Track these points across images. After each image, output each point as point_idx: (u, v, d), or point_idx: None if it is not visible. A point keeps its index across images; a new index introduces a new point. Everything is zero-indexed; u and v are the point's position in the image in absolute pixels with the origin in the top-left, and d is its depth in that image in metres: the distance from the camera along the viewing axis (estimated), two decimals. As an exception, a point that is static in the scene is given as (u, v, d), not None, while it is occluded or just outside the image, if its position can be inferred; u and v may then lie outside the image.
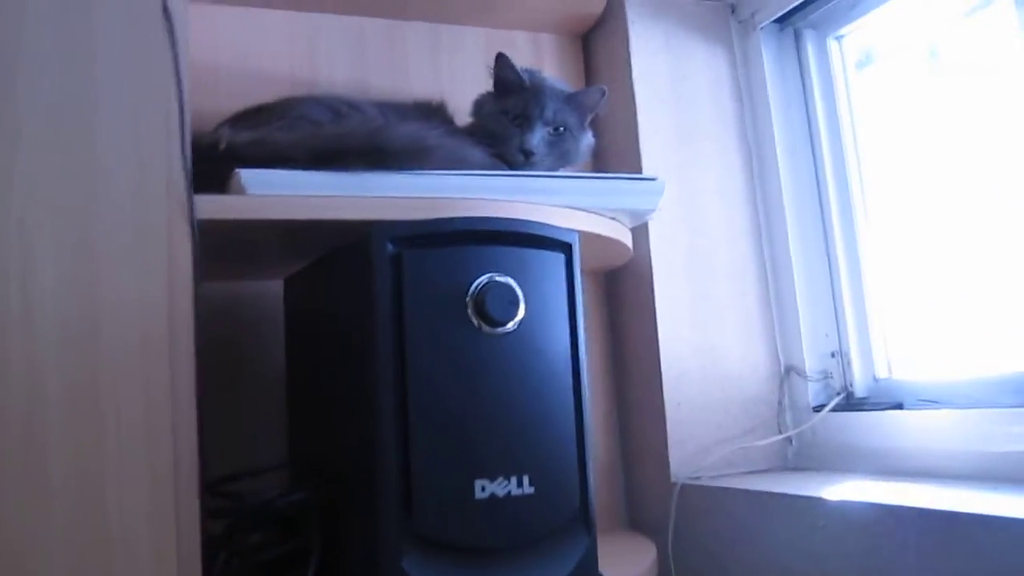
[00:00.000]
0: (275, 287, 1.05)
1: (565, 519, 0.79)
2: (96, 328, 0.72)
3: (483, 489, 0.75)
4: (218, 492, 0.85)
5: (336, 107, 0.99)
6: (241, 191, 0.82)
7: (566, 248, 0.82)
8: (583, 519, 0.80)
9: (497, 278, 0.77)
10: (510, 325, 0.77)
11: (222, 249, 0.90)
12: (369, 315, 0.75)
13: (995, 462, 0.97)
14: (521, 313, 0.78)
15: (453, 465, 0.75)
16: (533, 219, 0.89)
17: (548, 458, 0.78)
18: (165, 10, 0.78)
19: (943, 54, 1.26)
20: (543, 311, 0.80)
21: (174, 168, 0.77)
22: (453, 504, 0.74)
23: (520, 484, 0.76)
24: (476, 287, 0.76)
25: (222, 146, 0.87)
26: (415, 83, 1.22)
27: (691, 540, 1.11)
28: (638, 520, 1.23)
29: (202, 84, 1.09)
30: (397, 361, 0.74)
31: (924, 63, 1.28)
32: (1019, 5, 1.10)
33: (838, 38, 1.24)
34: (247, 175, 0.83)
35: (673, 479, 1.15)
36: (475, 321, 0.76)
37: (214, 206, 0.79)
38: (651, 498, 1.20)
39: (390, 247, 0.75)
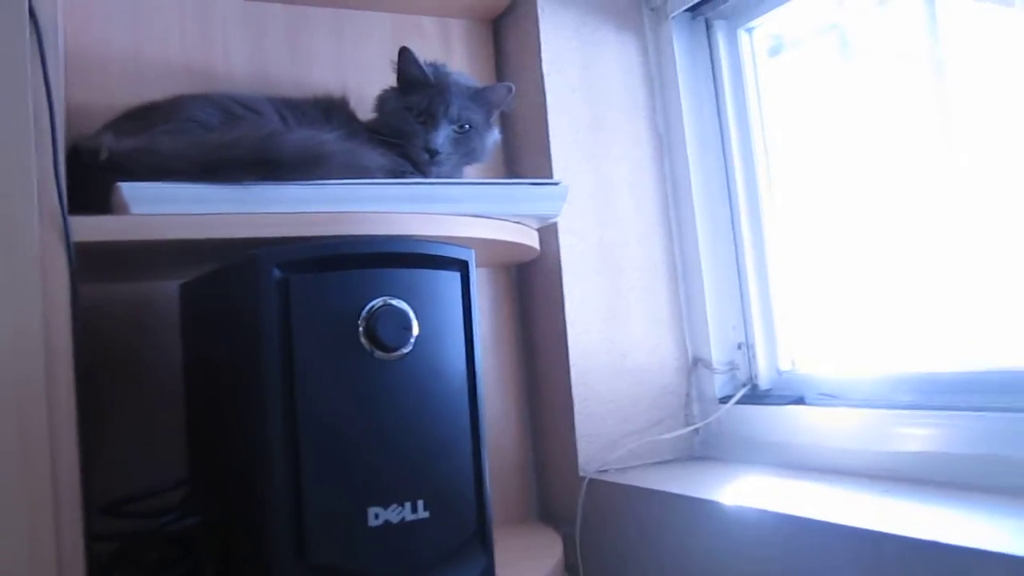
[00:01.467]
0: (174, 288, 1.01)
1: (462, 541, 0.79)
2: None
3: (376, 516, 0.74)
4: (115, 513, 0.83)
5: (228, 107, 0.95)
6: (124, 208, 0.79)
7: (462, 266, 0.81)
8: (480, 539, 0.80)
9: (390, 302, 0.76)
10: (403, 349, 0.76)
11: (107, 264, 0.87)
12: (256, 342, 0.73)
13: (890, 461, 0.99)
14: (415, 336, 0.77)
15: (345, 493, 0.74)
16: (433, 230, 0.87)
17: (444, 481, 0.78)
18: (31, 13, 0.73)
19: (853, 42, 1.27)
20: (438, 332, 0.79)
21: (46, 186, 0.73)
22: (346, 533, 0.73)
23: (415, 509, 0.76)
24: (368, 311, 0.75)
25: (103, 156, 0.83)
26: (317, 72, 1.18)
27: (598, 534, 1.12)
28: (548, 513, 1.24)
29: (90, 76, 1.04)
30: (286, 387, 0.73)
31: (834, 51, 1.28)
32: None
33: (748, 30, 1.24)
34: (129, 190, 0.79)
35: (581, 473, 1.16)
36: (367, 346, 0.75)
37: (93, 227, 0.76)
38: (560, 491, 1.21)
39: (276, 272, 0.73)
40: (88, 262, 0.76)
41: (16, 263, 0.71)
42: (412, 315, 0.76)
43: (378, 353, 0.75)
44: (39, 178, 0.73)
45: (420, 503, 0.76)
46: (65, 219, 0.73)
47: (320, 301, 0.74)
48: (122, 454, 0.97)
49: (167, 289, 1.03)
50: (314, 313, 0.74)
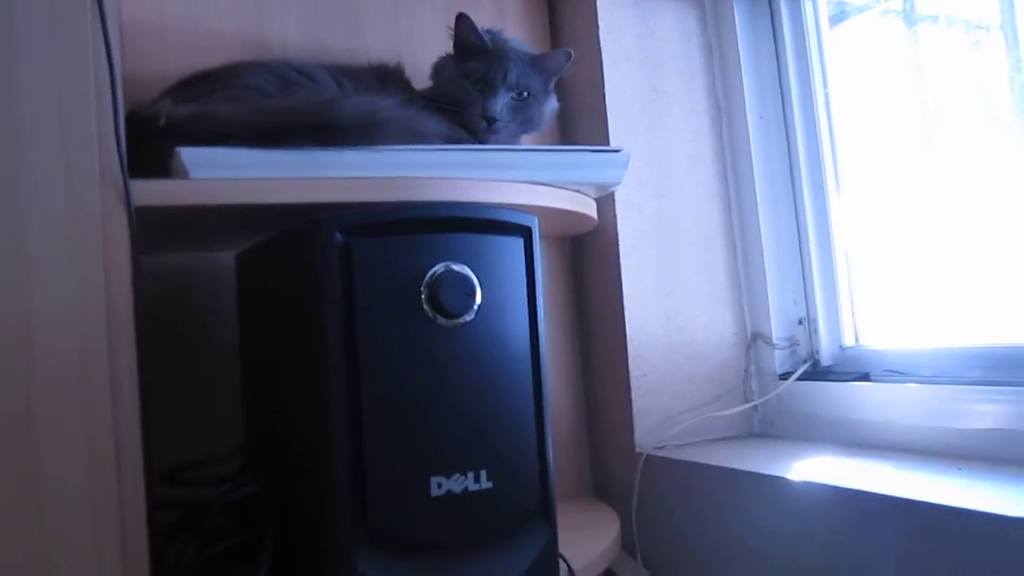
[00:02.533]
0: (228, 260, 1.01)
1: (524, 512, 0.77)
2: (29, 336, 0.68)
3: (439, 486, 0.73)
4: (175, 481, 0.82)
5: (285, 74, 0.94)
6: (183, 173, 0.78)
7: (525, 232, 0.79)
8: (543, 511, 0.78)
9: (453, 267, 0.74)
10: (466, 316, 0.74)
11: (166, 229, 0.86)
12: (319, 306, 0.72)
13: (959, 439, 0.96)
14: (478, 303, 0.75)
15: (408, 461, 0.72)
16: (493, 196, 0.86)
17: (506, 451, 0.76)
18: (94, -17, 0.72)
19: (920, 9, 1.22)
20: (501, 299, 0.77)
21: (108, 151, 0.72)
22: (408, 502, 0.72)
23: (477, 479, 0.74)
24: (431, 277, 0.73)
25: (162, 122, 0.82)
26: (372, 42, 1.16)
27: (655, 511, 1.10)
28: (603, 489, 1.22)
29: (145, 46, 1.04)
30: (348, 355, 0.71)
31: (899, 19, 1.24)
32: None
33: (812, -4, 1.20)
34: (189, 155, 0.78)
35: (638, 449, 1.14)
36: (430, 312, 0.73)
37: (153, 192, 0.75)
38: (616, 468, 1.19)
39: (339, 236, 0.71)
40: (146, 228, 0.75)
41: (78, 227, 0.70)
42: (475, 281, 0.74)
43: (440, 319, 0.73)
44: (100, 142, 0.72)
45: (483, 473, 0.75)
46: (126, 182, 0.72)
47: (382, 266, 0.72)
48: (178, 424, 0.96)
49: (222, 260, 1.03)
50: (376, 278, 0.72)
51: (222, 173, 0.79)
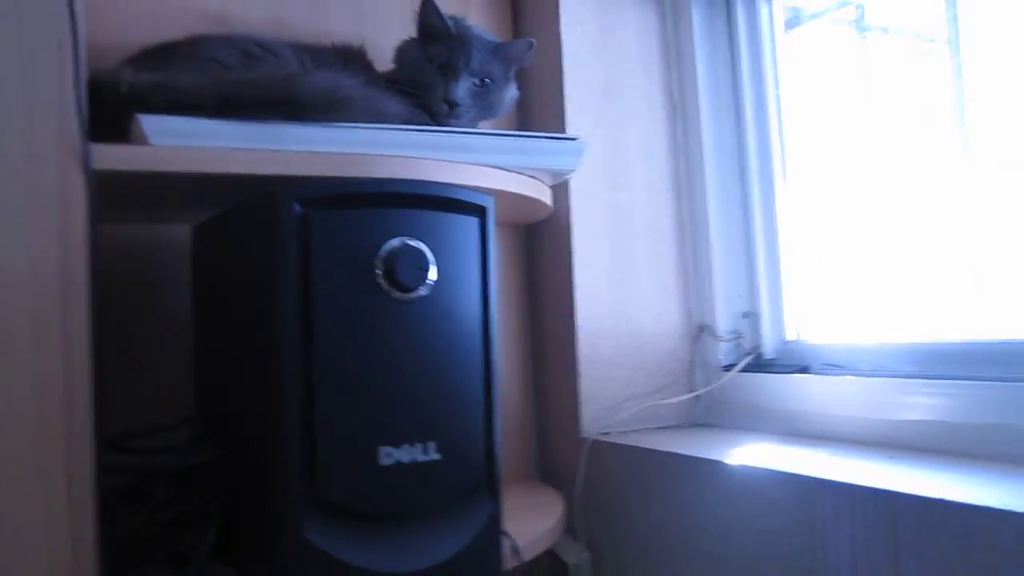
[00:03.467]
0: (185, 233, 1.01)
1: (471, 484, 0.79)
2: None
3: (388, 455, 0.74)
4: (123, 448, 0.83)
5: (248, 49, 0.95)
6: (142, 140, 0.78)
7: (480, 212, 0.81)
8: (488, 484, 0.80)
9: (409, 242, 0.75)
10: (420, 290, 0.76)
11: (123, 197, 0.86)
12: (274, 276, 0.73)
13: (893, 430, 1.00)
14: (432, 278, 0.77)
15: (358, 431, 0.74)
16: (450, 177, 0.87)
17: (455, 424, 0.78)
18: (58, -58, 0.73)
19: (870, 18, 1.27)
20: (455, 276, 0.78)
21: (68, 114, 0.72)
22: (358, 470, 0.74)
23: (426, 451, 0.76)
24: (386, 251, 0.75)
25: (123, 89, 0.82)
26: (334, 23, 1.17)
27: (599, 495, 1.13)
28: (549, 472, 1.25)
29: (106, 14, 1.03)
30: (302, 324, 0.73)
31: (851, 27, 1.29)
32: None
33: (768, 1, 1.23)
34: (149, 123, 0.79)
35: (583, 434, 1.16)
36: (385, 286, 0.75)
37: (113, 156, 0.75)
38: (562, 452, 1.21)
39: (297, 207, 0.73)
40: (104, 196, 0.75)
41: (35, 187, 0.70)
42: (430, 256, 0.76)
43: (395, 293, 0.75)
44: (60, 105, 0.72)
45: (432, 445, 0.76)
46: (86, 145, 0.73)
47: (339, 238, 0.74)
48: (128, 395, 0.96)
49: (178, 232, 1.03)
50: (333, 250, 0.73)
51: (182, 141, 0.79)
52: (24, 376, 0.70)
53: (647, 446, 1.07)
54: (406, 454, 0.75)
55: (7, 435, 0.69)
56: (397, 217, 0.76)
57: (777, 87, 1.23)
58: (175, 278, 1.02)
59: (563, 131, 1.18)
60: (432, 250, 0.77)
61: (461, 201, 0.79)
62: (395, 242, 0.75)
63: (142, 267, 1.04)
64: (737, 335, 1.24)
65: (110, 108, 0.81)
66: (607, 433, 1.16)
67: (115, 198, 0.84)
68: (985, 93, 1.07)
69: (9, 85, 0.71)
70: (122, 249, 1.02)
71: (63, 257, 0.72)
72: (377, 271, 0.74)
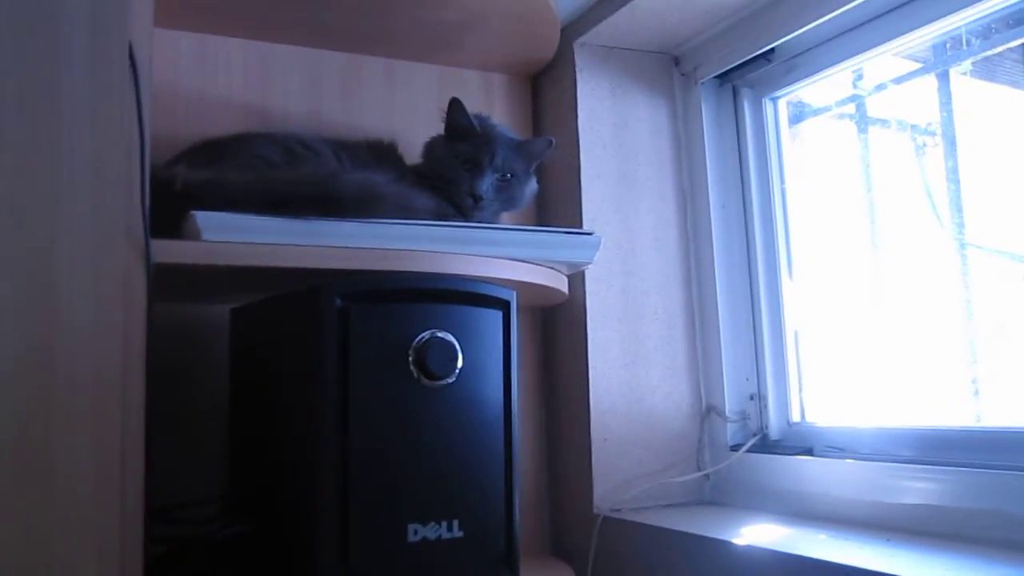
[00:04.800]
0: (221, 313, 1.08)
1: (491, 561, 0.84)
2: (51, 361, 0.74)
3: (415, 532, 0.80)
4: (164, 519, 0.88)
5: (290, 147, 1.03)
6: (196, 235, 0.86)
7: (504, 305, 0.87)
8: (508, 562, 0.85)
9: (438, 334, 0.82)
10: (448, 379, 0.82)
11: (173, 284, 0.93)
12: (316, 364, 0.79)
13: (891, 512, 1.05)
14: (459, 367, 0.83)
15: (388, 509, 0.79)
16: (476, 270, 0.94)
17: (478, 504, 0.84)
18: (131, 58, 0.81)
19: (871, 113, 1.35)
20: (480, 365, 0.85)
21: (134, 214, 0.80)
22: (387, 545, 0.79)
23: (450, 528, 0.81)
24: (418, 342, 0.81)
25: (178, 186, 0.90)
26: (367, 117, 1.25)
27: (610, 569, 1.17)
28: (561, 548, 1.29)
29: (159, 107, 1.11)
30: (340, 409, 0.79)
31: (851, 121, 1.36)
32: (941, 77, 1.19)
33: (773, 99, 1.32)
34: (203, 219, 0.86)
35: (596, 511, 1.21)
36: (416, 374, 0.81)
37: (170, 251, 0.82)
38: (575, 527, 1.26)
39: (339, 301, 0.79)
40: (157, 283, 0.82)
41: (104, 278, 0.77)
42: (458, 347, 0.82)
43: (425, 381, 0.81)
44: (127, 205, 0.79)
45: (455, 522, 0.82)
46: (148, 242, 0.80)
47: (376, 330, 0.80)
48: (166, 466, 1.02)
49: (215, 312, 1.10)
50: (369, 341, 0.80)
51: (232, 237, 0.87)
52: (86, 449, 0.75)
53: (657, 524, 1.12)
54: (432, 531, 0.80)
55: (69, 496, 0.74)
56: (428, 311, 0.82)
57: (782, 180, 1.31)
58: (212, 357, 1.08)
59: (580, 222, 1.26)
60: (460, 341, 0.83)
61: (487, 296, 0.86)
62: (426, 334, 0.81)
63: (184, 344, 1.10)
64: (744, 416, 1.29)
65: (165, 203, 0.89)
66: (618, 510, 1.21)
67: (166, 283, 0.90)
68: (980, 184, 1.14)
69: (84, 186, 0.78)
70: (165, 326, 1.08)
71: (125, 338, 0.78)
72: (410, 360, 0.81)
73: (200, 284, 0.97)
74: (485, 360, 0.85)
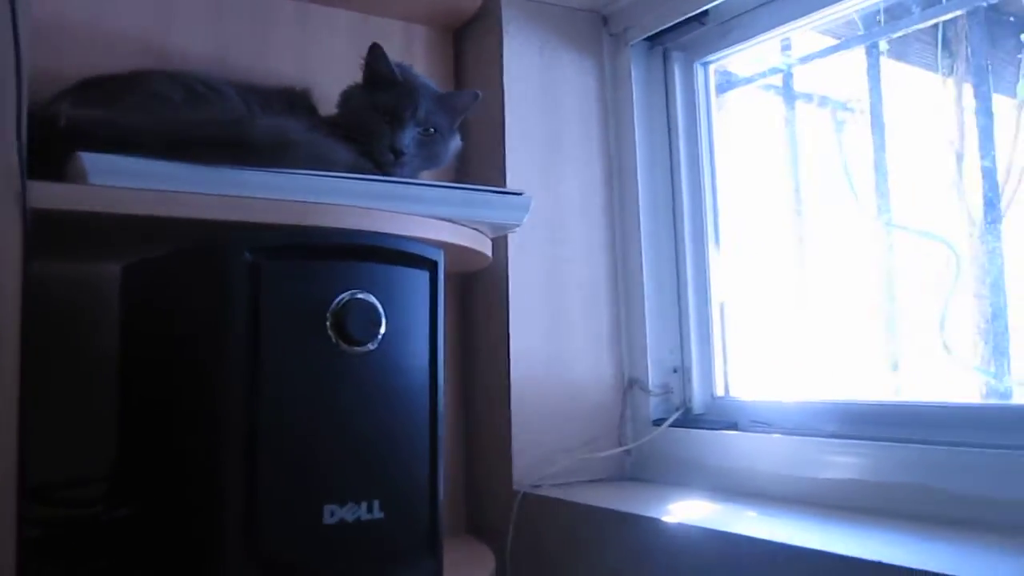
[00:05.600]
0: (111, 273, 0.97)
1: (413, 544, 0.78)
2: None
3: (332, 514, 0.72)
4: (44, 499, 0.78)
5: (192, 87, 0.92)
6: (82, 178, 0.75)
7: (431, 266, 0.81)
8: (430, 544, 0.79)
9: (360, 296, 0.74)
10: (370, 344, 0.75)
11: (54, 236, 0.83)
12: (220, 325, 0.71)
13: (817, 488, 1.02)
14: (382, 332, 0.75)
15: (303, 488, 0.72)
16: (399, 228, 0.87)
17: (400, 482, 0.77)
18: (5, -29, 0.70)
19: (797, 84, 1.33)
20: (404, 330, 0.78)
21: (7, 149, 0.69)
22: (301, 529, 0.71)
23: (370, 509, 0.74)
24: (338, 304, 0.73)
25: (62, 123, 0.79)
26: (277, 63, 1.15)
27: (530, 549, 1.12)
28: (478, 525, 1.23)
29: (43, 43, 0.99)
30: (247, 376, 0.71)
31: (777, 94, 1.34)
32: (869, 52, 1.17)
33: (704, 64, 1.27)
34: (91, 161, 0.76)
35: (515, 487, 1.15)
36: (334, 339, 0.73)
37: (51, 195, 0.72)
38: (493, 505, 1.20)
39: (248, 256, 0.71)
40: (35, 237, 0.72)
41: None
42: (381, 310, 0.75)
43: (344, 346, 0.74)
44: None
45: (376, 503, 0.75)
46: (23, 182, 0.69)
47: (290, 289, 0.72)
48: (45, 438, 0.91)
49: (105, 272, 0.99)
50: (282, 301, 0.72)
51: (124, 182, 0.77)
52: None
53: (579, 500, 1.07)
54: (350, 512, 0.73)
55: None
56: (349, 269, 0.75)
57: (711, 149, 1.27)
58: (100, 321, 0.97)
59: (503, 183, 1.19)
60: (382, 304, 0.76)
61: (413, 255, 0.79)
62: (346, 295, 0.74)
63: (67, 306, 0.99)
64: (667, 390, 1.26)
65: (44, 143, 0.78)
66: (538, 486, 1.16)
67: (47, 236, 0.80)
68: (903, 160, 1.13)
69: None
70: (47, 287, 0.97)
71: (-6, 298, 0.68)
72: (327, 324, 0.73)
73: (86, 237, 0.86)
74: (409, 325, 0.78)
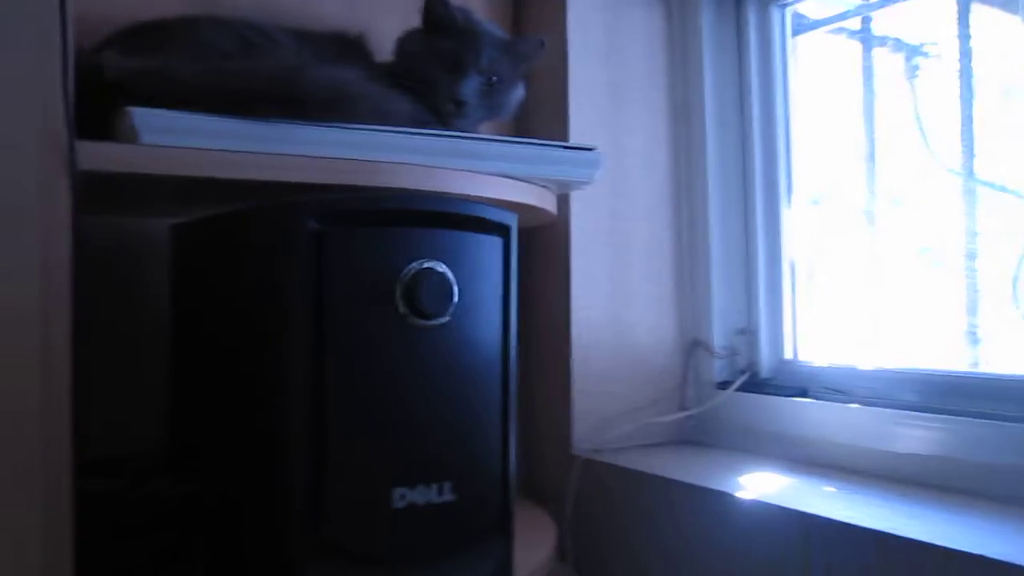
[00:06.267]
0: (157, 229, 0.92)
1: (485, 527, 0.74)
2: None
3: (402, 497, 0.68)
4: (100, 474, 0.75)
5: (245, 34, 0.86)
6: (133, 137, 0.70)
7: (505, 232, 0.75)
8: (502, 527, 0.75)
9: (432, 266, 0.69)
10: (442, 318, 0.70)
11: (100, 195, 0.78)
12: (284, 298, 0.66)
13: (897, 462, 0.97)
14: (454, 303, 0.70)
15: (371, 470, 0.68)
16: (463, 188, 0.81)
17: (472, 463, 0.72)
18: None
19: (877, 30, 1.23)
20: (477, 301, 0.73)
21: (53, 106, 0.64)
22: (368, 512, 0.67)
23: (441, 492, 0.70)
24: (407, 274, 0.68)
25: (109, 75, 0.74)
26: (328, 5, 1.09)
27: (590, 515, 1.09)
28: (534, 489, 1.19)
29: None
30: (313, 351, 0.66)
31: (855, 39, 1.25)
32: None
33: (781, 7, 1.19)
34: (141, 117, 0.70)
35: (575, 451, 1.11)
36: (404, 312, 0.68)
37: (102, 156, 0.67)
38: (550, 468, 1.16)
39: (312, 223, 0.66)
40: (82, 196, 0.67)
41: (15, 189, 0.62)
42: (453, 280, 0.70)
43: (414, 319, 0.69)
44: (44, 96, 0.64)
45: (447, 485, 0.70)
46: (72, 145, 0.64)
47: (357, 259, 0.67)
48: (98, 409, 0.88)
49: (152, 228, 0.95)
50: (349, 271, 0.67)
51: (177, 140, 0.71)
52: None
53: (644, 469, 1.03)
54: (421, 495, 0.69)
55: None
56: (419, 237, 0.69)
57: (786, 98, 1.19)
58: (149, 282, 0.93)
59: (566, 134, 1.13)
60: (454, 272, 0.70)
61: (486, 220, 0.73)
62: (416, 265, 0.68)
63: (112, 264, 0.95)
64: (732, 352, 1.20)
65: (90, 95, 0.73)
66: (599, 451, 1.11)
67: (92, 195, 0.75)
68: (993, 112, 1.05)
69: (-15, 71, 0.62)
70: (85, 242, 0.93)
71: (44, 265, 0.63)
72: (396, 295, 0.68)
73: (134, 197, 0.81)
74: (483, 296, 0.73)
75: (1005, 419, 0.89)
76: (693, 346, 1.22)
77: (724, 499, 0.92)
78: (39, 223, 0.64)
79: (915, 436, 0.97)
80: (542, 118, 1.18)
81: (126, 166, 0.69)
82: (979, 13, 1.10)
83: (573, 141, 1.10)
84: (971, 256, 1.06)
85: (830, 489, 0.94)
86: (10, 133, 0.63)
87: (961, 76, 1.11)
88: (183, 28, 0.85)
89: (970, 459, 0.91)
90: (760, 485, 0.96)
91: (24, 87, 0.63)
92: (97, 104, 0.73)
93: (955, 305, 1.07)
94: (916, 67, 1.20)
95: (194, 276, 0.84)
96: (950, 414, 0.95)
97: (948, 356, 1.08)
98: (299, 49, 0.89)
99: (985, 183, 1.07)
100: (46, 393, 0.63)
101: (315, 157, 0.75)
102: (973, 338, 1.07)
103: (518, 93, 1.02)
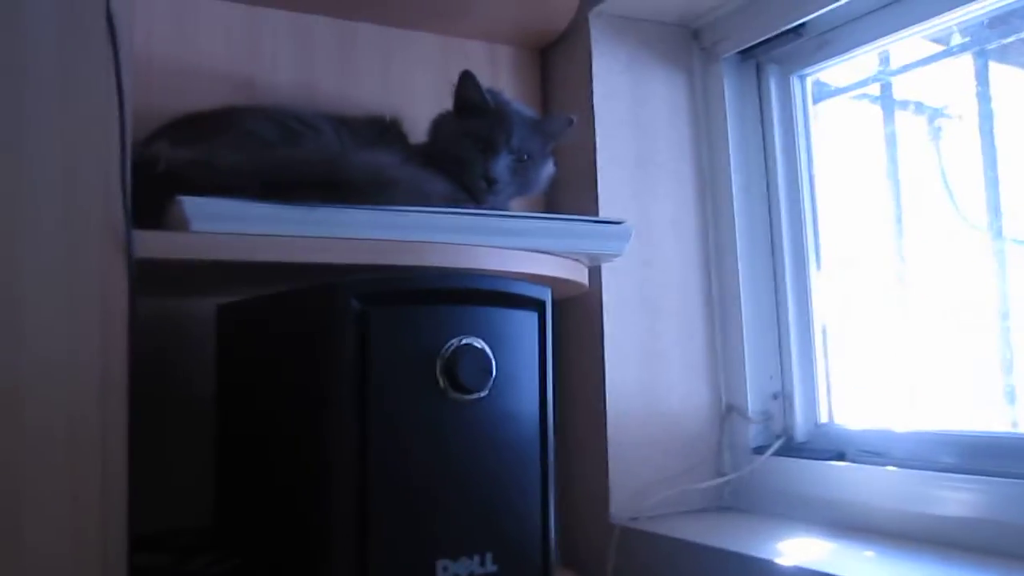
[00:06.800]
0: (205, 309, 0.96)
1: (525, 597, 0.75)
2: (19, 394, 0.63)
3: (445, 570, 0.70)
4: (142, 549, 0.77)
5: (286, 122, 0.91)
6: (184, 225, 0.74)
7: (539, 306, 0.77)
8: (543, 596, 0.76)
9: (470, 342, 0.71)
10: (481, 392, 0.72)
11: (152, 279, 0.81)
12: (329, 376, 0.68)
13: (936, 525, 0.97)
14: (493, 378, 0.72)
15: (414, 543, 0.69)
16: (498, 264, 0.84)
17: (513, 534, 0.74)
18: (109, 18, 0.68)
19: (897, 94, 1.26)
20: (515, 375, 0.75)
21: (112, 199, 0.68)
22: (412, 586, 0.69)
23: (483, 563, 0.71)
24: (447, 350, 0.71)
25: (161, 167, 0.78)
26: (363, 91, 1.14)
27: (629, 585, 1.09)
28: (573, 559, 1.19)
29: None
30: (357, 426, 0.68)
31: (875, 104, 1.28)
32: (977, 56, 1.11)
33: (801, 77, 1.22)
34: (192, 206, 0.74)
35: (612, 520, 1.12)
36: (444, 387, 0.70)
37: (155, 244, 0.71)
38: (588, 537, 1.17)
39: (355, 303, 0.68)
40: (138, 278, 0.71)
41: (76, 278, 0.66)
42: (491, 356, 0.72)
43: (454, 394, 0.71)
44: (104, 189, 0.68)
45: (489, 556, 0.72)
46: (130, 234, 0.68)
47: (398, 337, 0.69)
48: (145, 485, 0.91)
49: (200, 308, 0.98)
50: (391, 349, 0.69)
51: (225, 226, 0.75)
52: (59, 473, 0.64)
53: (681, 536, 1.03)
54: (464, 567, 0.70)
55: (43, 541, 0.63)
56: (457, 314, 0.72)
57: (810, 164, 1.21)
58: (196, 362, 0.96)
59: (596, 207, 1.16)
60: (491, 348, 0.73)
61: (521, 296, 0.76)
62: (455, 341, 0.71)
63: (162, 344, 0.98)
64: (767, 417, 1.21)
65: (142, 186, 0.77)
66: (636, 519, 1.12)
67: (145, 280, 0.79)
68: (1013, 168, 1.06)
69: (50, 165, 0.66)
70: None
71: (103, 350, 0.67)
72: (437, 371, 0.70)
73: (185, 280, 0.85)
74: (520, 370, 0.75)
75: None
76: (727, 411, 1.22)
77: (764, 566, 0.92)
78: (100, 310, 0.67)
79: (954, 498, 0.97)
80: (572, 191, 1.21)
81: (179, 253, 0.72)
82: (997, 72, 1.12)
83: (603, 214, 1.13)
84: (1004, 316, 1.06)
85: (869, 554, 0.94)
86: (74, 225, 0.66)
87: (983, 135, 1.13)
88: (228, 118, 0.89)
89: (1011, 521, 0.90)
90: (799, 551, 0.95)
91: (87, 181, 0.67)
92: (150, 195, 0.77)
93: (990, 365, 1.07)
94: (939, 129, 1.23)
95: (240, 354, 0.87)
96: (989, 475, 0.94)
97: (985, 416, 1.08)
98: (338, 134, 0.94)
99: (1014, 240, 1.08)
100: (105, 472, 0.66)
101: (358, 239, 0.78)
102: (1010, 397, 1.06)
103: (548, 169, 1.06)
